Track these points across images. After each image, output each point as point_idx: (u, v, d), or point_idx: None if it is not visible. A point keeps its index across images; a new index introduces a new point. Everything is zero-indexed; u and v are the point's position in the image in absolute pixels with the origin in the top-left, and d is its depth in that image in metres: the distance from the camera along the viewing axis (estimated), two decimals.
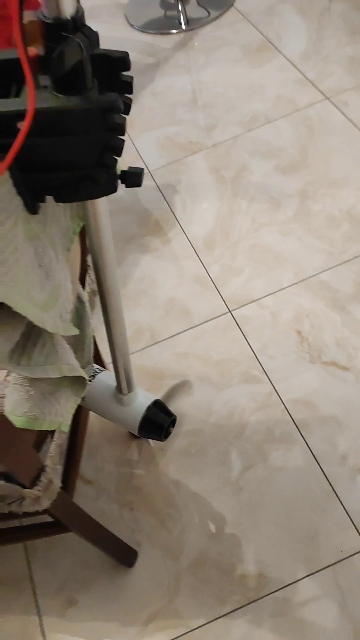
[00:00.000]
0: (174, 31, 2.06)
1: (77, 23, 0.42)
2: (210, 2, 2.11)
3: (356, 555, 0.99)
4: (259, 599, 0.98)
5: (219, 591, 1.00)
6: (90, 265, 0.90)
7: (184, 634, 0.97)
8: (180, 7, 2.09)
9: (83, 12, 0.43)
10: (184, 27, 2.06)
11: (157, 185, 1.60)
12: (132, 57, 1.99)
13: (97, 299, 1.02)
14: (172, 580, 1.02)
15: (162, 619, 0.99)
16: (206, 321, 1.32)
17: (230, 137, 1.67)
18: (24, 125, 0.43)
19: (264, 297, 1.33)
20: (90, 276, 0.89)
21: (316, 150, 1.58)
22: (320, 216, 1.43)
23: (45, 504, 0.72)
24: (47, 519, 0.84)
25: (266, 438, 1.13)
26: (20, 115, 0.45)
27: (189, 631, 0.97)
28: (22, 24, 0.38)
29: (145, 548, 1.06)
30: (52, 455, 0.73)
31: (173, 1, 2.11)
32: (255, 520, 1.05)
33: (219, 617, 0.97)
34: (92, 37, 0.43)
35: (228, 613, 0.97)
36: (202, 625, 0.97)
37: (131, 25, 2.12)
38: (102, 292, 0.67)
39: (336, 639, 0.93)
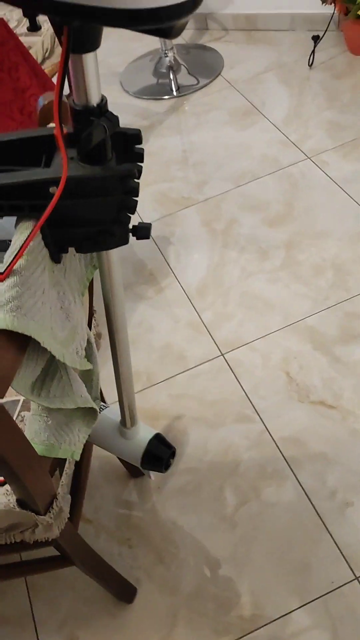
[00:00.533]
0: (166, 97, 2.19)
1: (102, 109, 0.52)
2: (199, 71, 2.26)
3: (346, 585, 1.03)
4: (254, 631, 1.01)
5: (216, 624, 1.02)
6: (96, 311, 0.97)
7: None
8: (171, 76, 2.24)
9: (106, 101, 0.52)
10: (175, 93, 2.20)
11: (152, 237, 1.70)
12: (128, 120, 2.13)
13: (101, 342, 1.10)
14: (170, 614, 1.04)
15: None
16: (200, 364, 1.38)
17: (220, 193, 1.78)
18: (57, 190, 0.52)
19: (254, 340, 1.40)
20: (95, 320, 0.96)
21: (300, 204, 1.69)
22: (306, 265, 1.52)
23: (56, 532, 0.77)
24: (52, 552, 0.88)
25: (259, 475, 1.18)
26: (52, 181, 0.53)
27: None
28: (60, 113, 0.48)
29: (144, 584, 1.09)
30: (63, 484, 0.78)
31: (165, 70, 2.27)
32: (249, 554, 1.09)
33: None
34: (114, 120, 0.53)
35: None
36: None
37: (126, 91, 2.27)
38: (111, 330, 0.74)
39: None
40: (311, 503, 1.13)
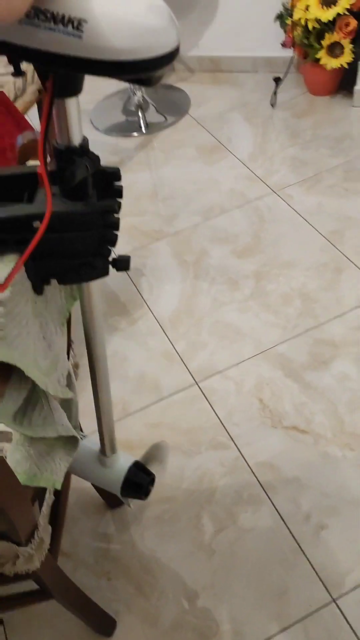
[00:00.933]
0: (135, 134, 2.25)
1: (84, 149, 0.54)
2: (167, 110, 2.33)
3: (324, 608, 1.04)
4: None
5: None
6: (74, 341, 0.99)
7: None
8: (140, 114, 2.31)
9: (88, 141, 0.55)
10: (144, 130, 2.26)
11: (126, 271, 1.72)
12: (98, 155, 2.17)
13: (78, 372, 1.11)
14: None
15: None
16: (175, 393, 1.40)
17: (190, 226, 1.82)
18: (42, 225, 0.54)
19: (227, 368, 1.42)
20: (73, 350, 0.97)
21: (267, 236, 1.74)
22: (275, 294, 1.57)
23: (36, 564, 0.76)
24: (31, 586, 0.87)
25: (235, 501, 1.19)
26: (36, 216, 0.56)
27: None
28: (45, 153, 0.50)
29: (123, 616, 1.07)
30: (44, 514, 0.78)
31: (133, 108, 2.33)
32: (228, 581, 1.09)
33: None
34: (95, 159, 0.55)
35: None
36: None
37: (96, 128, 2.32)
38: (92, 359, 0.76)
39: None
40: (287, 527, 1.14)
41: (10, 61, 0.50)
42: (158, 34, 0.43)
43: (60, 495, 0.91)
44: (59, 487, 0.73)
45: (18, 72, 0.51)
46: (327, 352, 1.42)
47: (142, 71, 0.44)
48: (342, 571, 1.08)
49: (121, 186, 0.60)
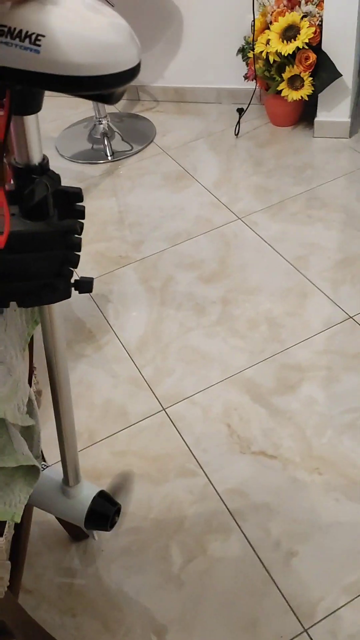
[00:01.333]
0: (101, 161, 2.26)
1: (44, 167, 0.53)
2: (133, 138, 2.35)
3: (296, 638, 1.02)
4: None
5: None
6: (36, 367, 0.96)
7: None
8: (105, 142, 2.32)
9: (48, 160, 0.54)
10: (109, 158, 2.27)
11: (91, 296, 1.70)
12: (64, 182, 2.15)
13: (41, 399, 1.08)
14: None
15: None
16: (142, 420, 1.37)
17: (157, 252, 1.82)
18: None
19: (194, 394, 1.41)
20: (36, 377, 0.95)
21: (233, 262, 1.75)
22: (241, 319, 1.57)
23: None
24: None
25: (204, 529, 1.17)
26: None
27: None
28: (3, 172, 0.49)
29: None
30: (2, 550, 0.74)
31: (99, 136, 2.34)
32: (198, 614, 1.06)
33: None
34: (55, 178, 0.54)
35: None
36: None
37: (61, 155, 2.32)
38: (54, 385, 0.73)
39: None
40: (257, 555, 1.12)
41: None
42: (118, 50, 0.43)
43: (21, 529, 0.87)
44: (18, 520, 0.70)
45: None
46: (293, 376, 1.42)
47: (102, 87, 0.43)
48: (314, 600, 1.05)
49: (83, 207, 0.59)
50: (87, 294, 1.69)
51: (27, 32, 0.41)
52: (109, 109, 2.54)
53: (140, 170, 2.19)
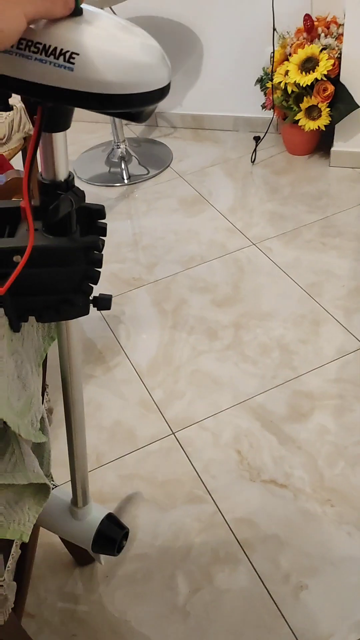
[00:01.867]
0: (118, 184, 2.29)
1: (69, 184, 0.54)
2: (150, 162, 2.39)
3: None
4: None
5: None
6: (48, 385, 0.96)
7: None
8: (122, 165, 2.35)
9: (73, 177, 0.55)
10: (126, 181, 2.30)
11: (103, 316, 1.71)
12: None
13: (52, 417, 1.07)
14: None
15: None
16: (150, 443, 1.36)
17: (170, 274, 1.83)
18: (22, 259, 0.53)
19: (205, 419, 1.40)
20: (47, 394, 0.95)
21: (247, 287, 1.75)
22: (253, 344, 1.57)
23: None
24: None
25: (211, 559, 1.15)
26: (16, 250, 0.54)
27: None
28: (30, 187, 0.50)
29: None
30: (9, 570, 0.73)
31: (117, 160, 2.38)
32: None
33: None
34: (80, 194, 0.55)
35: None
36: None
37: (79, 177, 2.35)
38: (67, 403, 0.73)
39: None
40: (265, 588, 1.10)
41: None
42: (149, 70, 0.44)
43: (27, 550, 0.86)
44: (26, 539, 0.69)
45: (5, 108, 0.51)
46: (305, 404, 1.40)
47: (132, 106, 0.44)
48: (323, 636, 1.03)
49: (105, 224, 0.60)
50: (99, 314, 1.70)
51: (61, 49, 0.42)
52: (127, 133, 2.59)
53: (156, 194, 2.22)
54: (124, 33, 0.44)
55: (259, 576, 1.11)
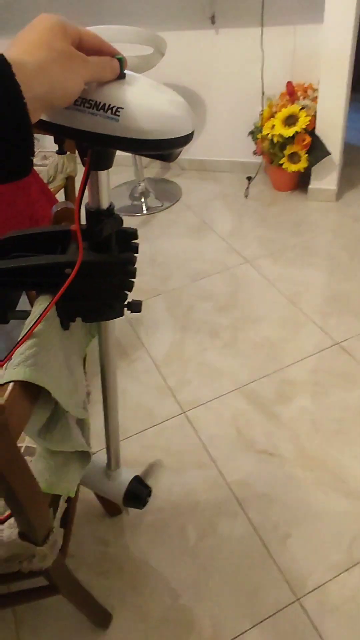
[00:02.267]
0: (138, 214, 2.29)
1: (111, 211, 0.54)
2: (164, 197, 2.39)
3: (290, 606, 0.98)
4: None
5: None
6: (86, 373, 0.96)
7: None
8: (142, 199, 2.36)
9: (114, 206, 0.55)
10: (145, 212, 2.30)
11: (127, 319, 1.71)
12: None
13: (89, 399, 1.06)
14: (142, 639, 0.96)
15: None
16: (165, 420, 1.35)
17: (181, 286, 1.82)
18: (73, 271, 0.53)
19: (209, 401, 1.39)
20: (86, 380, 0.94)
21: (242, 296, 1.75)
22: (247, 342, 1.56)
23: (49, 562, 0.71)
24: (41, 582, 0.81)
25: (215, 513, 1.14)
26: (68, 264, 0.54)
27: None
28: (79, 213, 0.50)
29: (118, 611, 1.00)
30: (58, 518, 0.73)
31: (137, 195, 2.38)
32: (207, 582, 1.03)
33: None
34: (119, 220, 0.55)
35: None
36: None
37: None
38: (105, 386, 0.73)
39: None
40: (258, 535, 1.09)
41: (55, 141, 0.50)
42: (177, 120, 0.44)
43: (71, 503, 0.85)
44: (72, 495, 0.69)
45: (61, 151, 0.50)
46: (289, 390, 1.40)
47: (164, 149, 0.44)
48: (305, 574, 1.02)
49: (137, 243, 0.59)
50: (124, 317, 1.70)
51: (109, 105, 0.42)
52: (146, 174, 2.59)
53: (168, 222, 2.21)
54: (158, 92, 0.44)
55: (253, 526, 1.10)
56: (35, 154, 1.73)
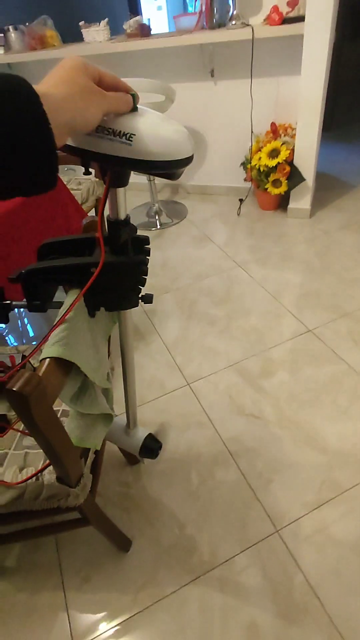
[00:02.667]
0: (153, 229, 2.26)
1: (127, 221, 0.52)
2: (173, 215, 2.36)
3: (270, 536, 0.97)
4: (210, 570, 0.93)
5: (185, 566, 0.94)
6: (111, 352, 0.94)
7: (162, 598, 0.90)
8: (156, 217, 2.33)
9: (130, 217, 0.53)
10: (158, 227, 2.27)
11: (144, 310, 1.69)
12: None
13: (113, 372, 1.05)
14: (154, 560, 0.96)
15: (148, 588, 0.91)
16: (174, 390, 1.34)
17: (186, 285, 1.80)
18: (96, 270, 0.51)
19: (208, 375, 1.38)
20: (110, 357, 0.93)
21: (234, 293, 1.72)
22: (239, 329, 1.54)
23: (81, 500, 0.70)
24: (76, 516, 0.80)
25: (213, 463, 1.13)
26: (93, 264, 0.53)
27: (166, 596, 0.90)
28: (102, 224, 0.48)
29: (136, 539, 1.00)
30: (87, 466, 0.72)
31: (153, 213, 2.35)
32: (207, 517, 1.02)
33: (185, 585, 0.91)
34: (134, 229, 0.53)
35: (192, 580, 0.91)
36: (174, 591, 0.91)
37: None
38: (124, 362, 0.72)
39: (260, 594, 0.88)
40: (246, 481, 1.08)
41: (82, 164, 0.48)
42: (180, 145, 0.42)
43: (98, 455, 0.85)
44: (98, 448, 0.68)
45: (87, 172, 0.49)
46: (272, 366, 1.37)
47: (169, 169, 0.42)
48: (283, 511, 1.01)
49: (149, 248, 0.58)
50: (142, 310, 1.68)
51: (124, 132, 0.40)
52: (160, 197, 2.56)
53: (177, 234, 2.18)
54: (164, 122, 0.42)
55: (242, 474, 1.09)
56: (71, 180, 1.71)
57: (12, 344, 1.59)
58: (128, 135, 0.40)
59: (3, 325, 1.69)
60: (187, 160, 0.42)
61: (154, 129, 0.41)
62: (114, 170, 0.45)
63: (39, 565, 0.97)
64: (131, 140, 0.40)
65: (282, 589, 0.88)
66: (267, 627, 0.84)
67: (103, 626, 0.87)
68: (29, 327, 1.68)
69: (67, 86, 0.35)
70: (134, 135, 0.40)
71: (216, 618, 0.86)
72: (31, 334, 1.64)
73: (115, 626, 0.87)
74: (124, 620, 0.87)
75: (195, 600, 0.88)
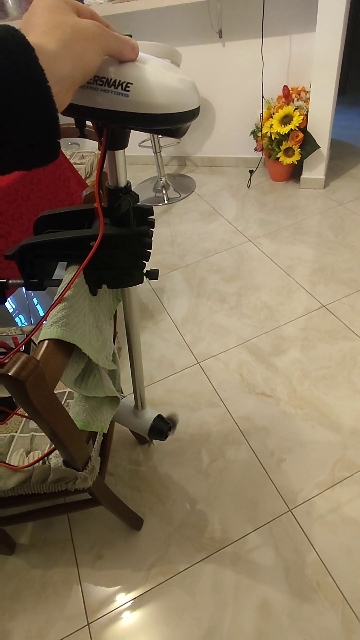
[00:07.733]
0: (160, 204, 2.19)
1: (128, 189, 0.47)
2: (181, 189, 2.27)
3: (283, 515, 0.95)
4: (222, 548, 0.92)
5: (196, 544, 0.93)
6: (117, 332, 0.91)
7: (174, 575, 0.90)
8: (163, 192, 2.25)
9: (131, 184, 0.48)
10: (166, 202, 2.20)
11: (153, 289, 1.65)
12: None
13: (120, 353, 1.02)
14: (166, 538, 0.95)
15: (159, 566, 0.92)
16: (184, 369, 1.32)
17: (195, 261, 1.75)
18: (95, 243, 0.47)
19: (218, 354, 1.34)
20: (117, 338, 0.89)
21: (245, 269, 1.66)
22: (249, 306, 1.49)
23: (89, 483, 0.69)
24: (86, 496, 0.79)
25: (223, 441, 1.11)
26: (92, 237, 0.48)
27: (178, 573, 0.90)
28: (99, 192, 0.43)
29: (148, 517, 0.99)
30: (95, 449, 0.70)
31: (160, 188, 2.27)
32: (218, 495, 1.01)
33: (197, 562, 0.91)
34: (135, 196, 0.48)
35: (203, 559, 0.91)
36: (186, 568, 0.91)
37: None
38: (130, 343, 0.68)
39: (273, 572, 0.87)
40: (258, 459, 1.06)
41: (76, 125, 0.42)
42: (184, 95, 0.36)
43: (107, 436, 0.83)
44: (105, 431, 0.65)
45: (82, 135, 0.43)
46: (284, 344, 1.33)
47: (173, 123, 0.36)
48: (296, 490, 0.99)
49: (153, 219, 0.53)
50: (151, 287, 1.64)
51: (119, 81, 0.34)
52: (167, 170, 2.46)
53: (185, 209, 2.11)
54: (167, 70, 0.37)
55: (254, 452, 1.07)
56: (74, 154, 1.64)
57: (22, 324, 1.57)
58: (124, 85, 0.34)
59: (9, 305, 1.67)
60: (192, 113, 0.37)
61: (154, 77, 0.35)
62: (111, 130, 0.40)
63: (52, 542, 0.98)
64: (128, 90, 0.34)
65: (294, 567, 0.87)
66: (279, 605, 0.84)
67: (116, 601, 0.88)
68: (38, 307, 1.66)
69: (60, 31, 0.29)
70: (131, 84, 0.34)
71: (229, 596, 0.86)
72: (41, 313, 1.62)
73: (129, 601, 0.87)
74: (138, 596, 0.88)
75: (208, 578, 0.88)
